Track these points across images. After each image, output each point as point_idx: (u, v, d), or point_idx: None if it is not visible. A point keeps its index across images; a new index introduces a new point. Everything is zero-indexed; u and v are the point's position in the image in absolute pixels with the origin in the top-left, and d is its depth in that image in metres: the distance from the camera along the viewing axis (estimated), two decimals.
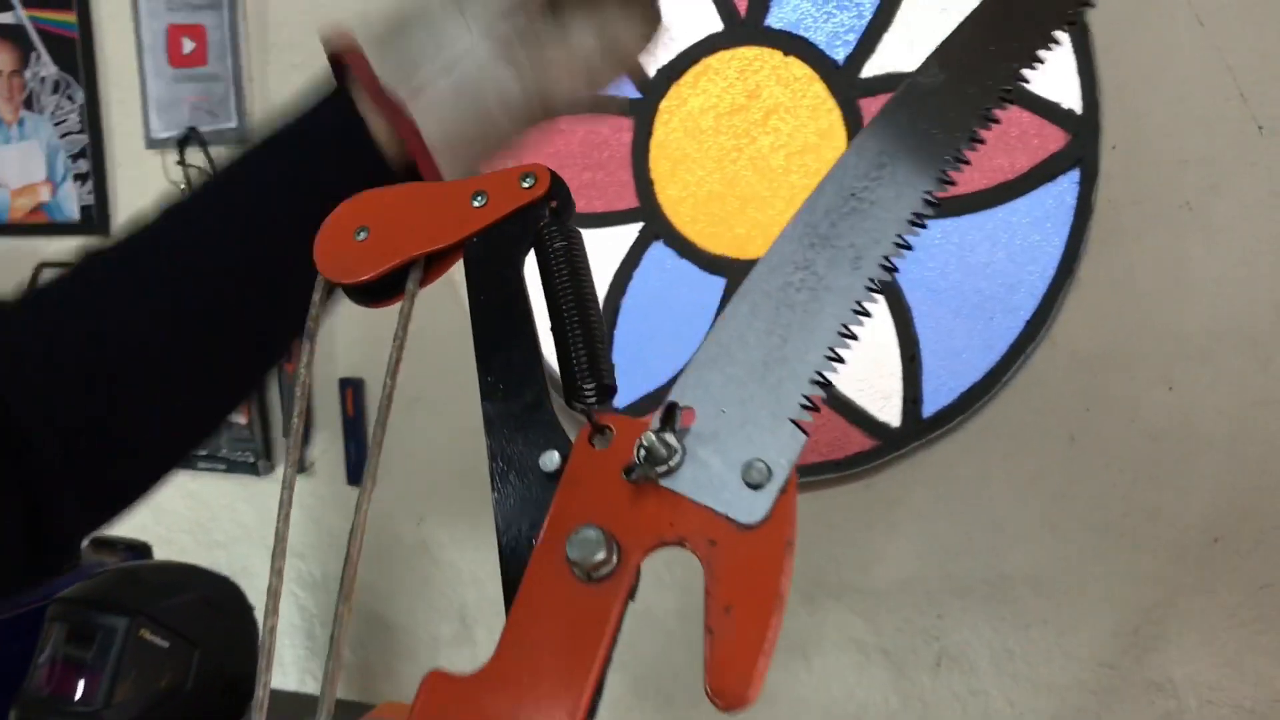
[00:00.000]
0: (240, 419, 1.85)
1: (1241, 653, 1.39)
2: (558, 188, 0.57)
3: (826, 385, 0.49)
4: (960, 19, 0.59)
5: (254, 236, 0.66)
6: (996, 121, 0.56)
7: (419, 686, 0.45)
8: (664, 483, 0.45)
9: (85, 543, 0.73)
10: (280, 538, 0.56)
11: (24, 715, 1.45)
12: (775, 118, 1.58)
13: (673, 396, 0.48)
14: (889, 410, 1.57)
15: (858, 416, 1.58)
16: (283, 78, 1.79)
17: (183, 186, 1.83)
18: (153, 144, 1.88)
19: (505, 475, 0.51)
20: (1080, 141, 1.42)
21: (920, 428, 1.55)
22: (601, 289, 1.66)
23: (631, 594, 0.47)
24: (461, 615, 1.81)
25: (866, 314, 0.51)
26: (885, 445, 1.57)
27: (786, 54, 1.56)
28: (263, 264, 0.66)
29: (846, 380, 1.59)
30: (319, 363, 1.84)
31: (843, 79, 1.53)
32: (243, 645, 1.58)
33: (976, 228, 1.50)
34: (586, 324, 0.56)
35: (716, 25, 1.59)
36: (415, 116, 0.64)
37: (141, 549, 1.75)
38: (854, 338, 0.51)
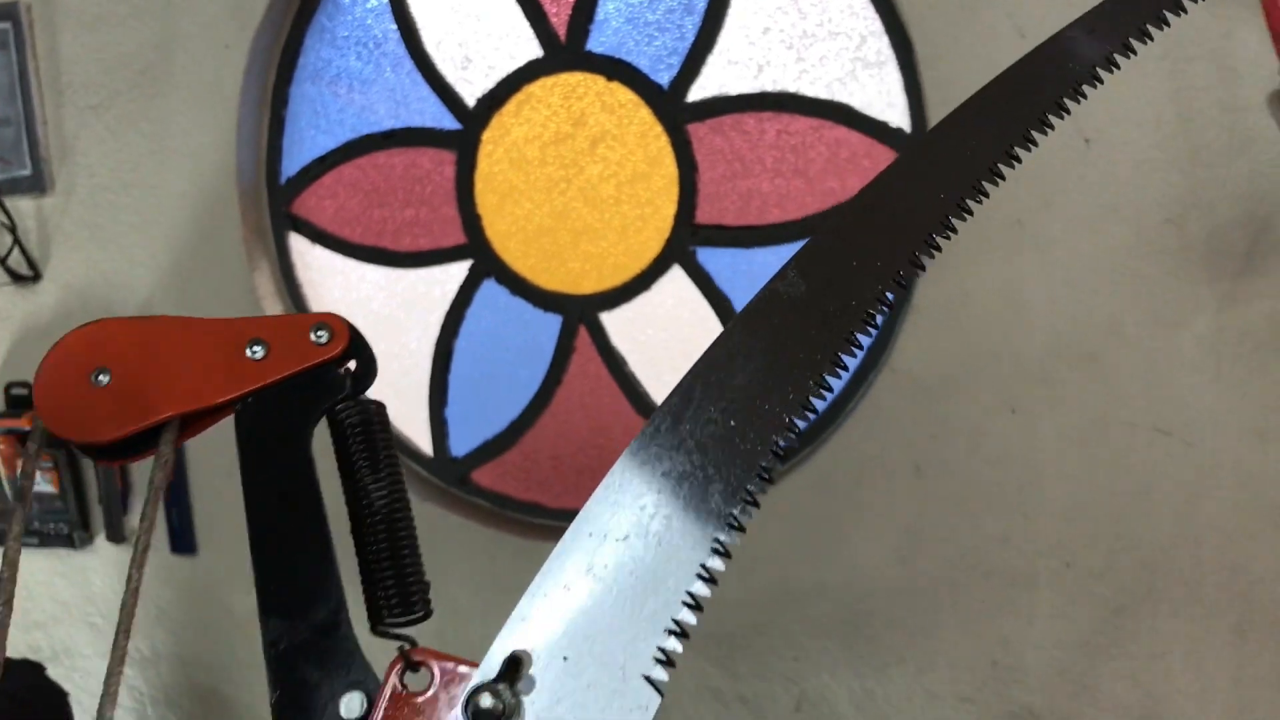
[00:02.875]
0: (50, 488, 1.71)
1: (1098, 679, 1.35)
2: (357, 347, 0.47)
3: (685, 634, 0.43)
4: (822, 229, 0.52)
5: None
6: (860, 348, 0.50)
7: None
8: None
9: None
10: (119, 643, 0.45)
11: None
12: (603, 145, 1.51)
13: (510, 638, 0.40)
14: None
15: None
16: (79, 120, 1.66)
17: None
18: None
19: (293, 715, 0.42)
20: None
21: None
22: (432, 331, 1.57)
23: None
24: None
25: (726, 554, 0.44)
26: None
27: (610, 79, 1.49)
28: None
29: None
30: None
31: (669, 103, 1.47)
32: None
33: None
34: (392, 527, 0.47)
35: (536, 51, 1.51)
36: None
37: None
38: (711, 580, 0.44)
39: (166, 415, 0.42)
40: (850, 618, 1.43)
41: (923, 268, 0.50)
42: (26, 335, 1.72)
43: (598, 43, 1.49)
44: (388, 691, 0.38)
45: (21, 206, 1.69)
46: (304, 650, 0.41)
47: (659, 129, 1.47)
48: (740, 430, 0.44)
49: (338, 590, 0.42)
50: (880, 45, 1.37)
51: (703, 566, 0.41)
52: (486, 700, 0.35)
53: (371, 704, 0.38)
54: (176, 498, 1.69)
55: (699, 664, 1.50)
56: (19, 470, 1.72)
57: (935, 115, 1.33)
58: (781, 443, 0.45)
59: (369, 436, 0.45)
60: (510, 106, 1.53)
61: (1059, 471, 1.33)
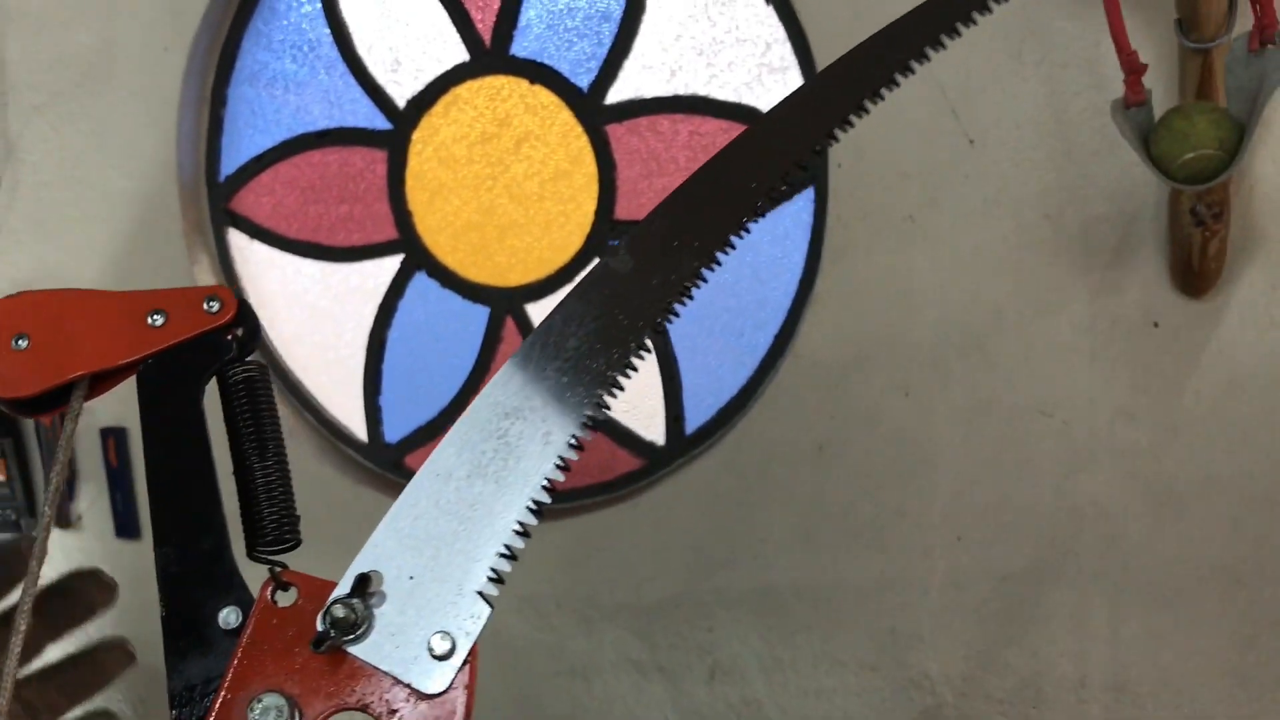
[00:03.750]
0: None
1: (990, 645, 1.44)
2: (244, 315, 0.54)
3: (514, 556, 0.49)
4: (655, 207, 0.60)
5: None
6: (675, 315, 0.57)
7: None
8: (350, 650, 0.45)
9: None
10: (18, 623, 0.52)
11: None
12: (527, 145, 1.58)
13: (363, 561, 0.47)
14: (654, 429, 1.59)
15: (624, 437, 1.60)
16: (24, 120, 1.72)
17: None
18: None
19: (179, 628, 0.48)
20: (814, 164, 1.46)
21: (684, 444, 1.57)
22: (366, 322, 1.64)
23: None
24: None
25: (553, 490, 0.51)
26: (652, 464, 1.59)
27: (533, 82, 1.57)
28: None
29: (612, 401, 1.61)
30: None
31: (588, 105, 1.54)
32: None
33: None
34: (266, 470, 0.54)
35: (463, 55, 1.59)
36: None
37: None
38: (538, 513, 0.51)
39: (77, 374, 0.50)
40: (759, 588, 1.52)
41: (733, 246, 0.58)
42: None
43: (521, 47, 1.56)
44: (260, 603, 0.46)
45: None
46: (191, 574, 0.48)
47: (579, 129, 1.55)
48: (571, 386, 0.52)
49: (220, 523, 0.49)
50: (784, 51, 1.46)
51: (533, 501, 0.49)
52: (340, 611, 0.42)
53: (247, 616, 0.46)
54: (120, 484, 1.75)
55: (620, 635, 1.58)
56: None
57: None
58: (605, 397, 0.53)
59: (252, 393, 0.53)
60: (438, 108, 1.61)
61: (950, 450, 1.42)
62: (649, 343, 0.54)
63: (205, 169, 1.72)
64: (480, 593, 0.46)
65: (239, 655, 0.43)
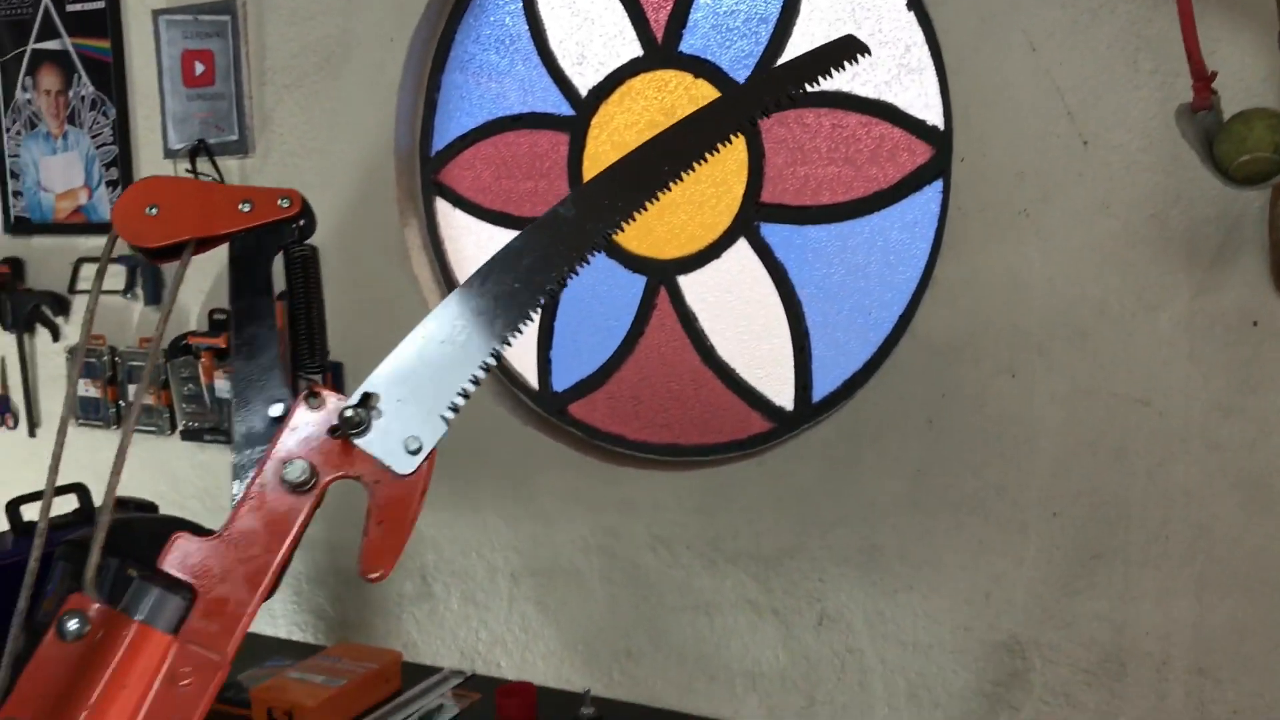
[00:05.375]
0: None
1: (1076, 616, 1.53)
2: (306, 212, 0.77)
3: (468, 396, 0.70)
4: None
5: None
6: (601, 250, 0.75)
7: (169, 543, 0.65)
8: (354, 440, 0.66)
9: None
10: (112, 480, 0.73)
11: (30, 638, 1.71)
12: None
13: (370, 385, 0.68)
14: (784, 396, 1.75)
15: (758, 402, 1.76)
16: (276, 96, 2.04)
17: None
18: (169, 154, 2.14)
19: (244, 412, 0.72)
20: (942, 155, 1.59)
21: (809, 411, 1.72)
22: None
23: (319, 502, 0.68)
24: (422, 574, 2.03)
25: (497, 359, 0.71)
26: (780, 427, 1.74)
27: (696, 76, 1.75)
28: None
29: (749, 368, 1.78)
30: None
31: None
32: None
33: (857, 233, 1.67)
34: (309, 316, 0.77)
35: (638, 51, 1.78)
36: None
37: (148, 507, 2.01)
38: (487, 370, 0.70)
39: (187, 236, 0.68)
40: (867, 548, 1.65)
41: (638, 214, 0.75)
42: (225, 270, 2.12)
43: (688, 45, 1.74)
44: (298, 404, 0.66)
45: (229, 165, 2.09)
46: (253, 380, 0.70)
47: None
48: (520, 291, 0.70)
49: (275, 350, 0.71)
50: (921, 54, 1.58)
51: (483, 363, 0.68)
52: (350, 414, 0.62)
53: (287, 411, 0.66)
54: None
55: (740, 578, 1.75)
56: (214, 378, 2.12)
57: (958, 117, 1.53)
58: (541, 300, 0.72)
59: (305, 266, 0.74)
60: (614, 97, 1.81)
61: (1050, 431, 1.52)
62: (578, 268, 0.71)
63: (419, 145, 1.99)
64: (443, 416, 0.65)
65: (280, 433, 0.64)
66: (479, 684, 1.82)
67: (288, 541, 0.63)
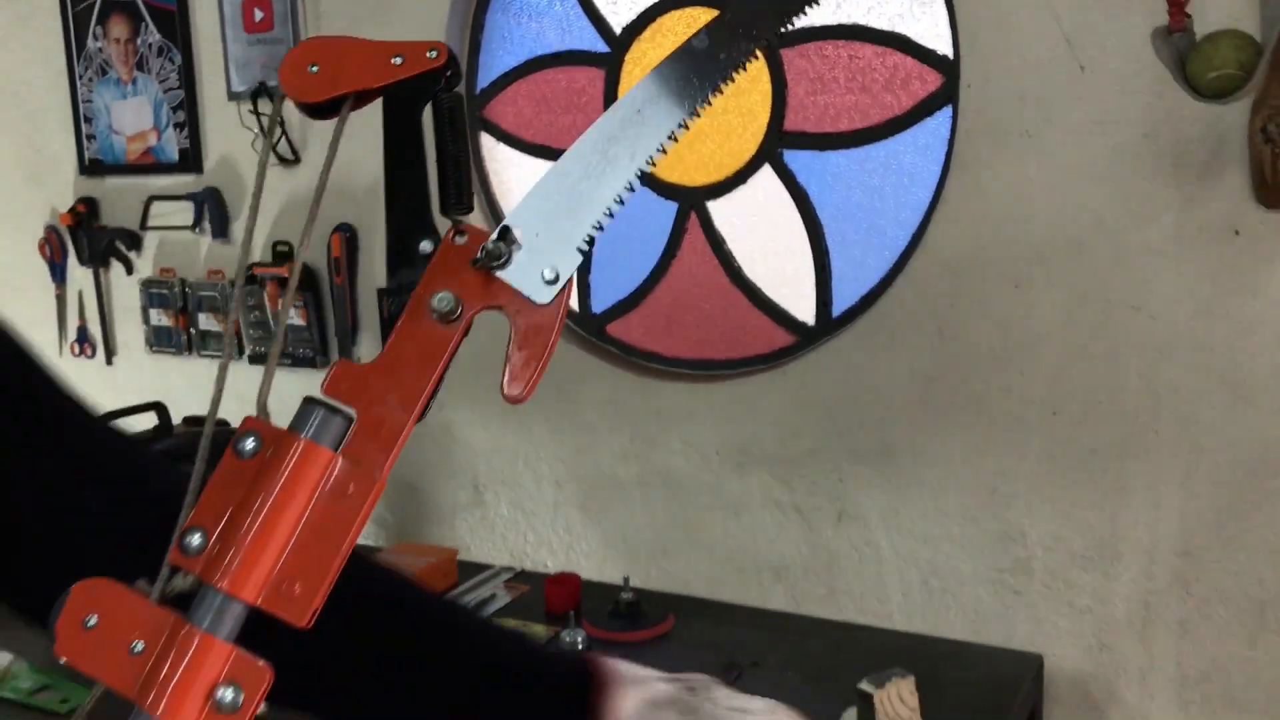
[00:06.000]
0: (299, 321, 2.27)
1: (1075, 507, 1.66)
2: (452, 61, 0.86)
3: (603, 229, 0.79)
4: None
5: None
6: (732, 80, 0.84)
7: (330, 369, 0.67)
8: (496, 272, 0.76)
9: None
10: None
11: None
12: None
13: (509, 220, 0.78)
14: (806, 311, 1.88)
15: (782, 317, 1.90)
16: None
17: (255, 132, 2.24)
18: (232, 96, 2.30)
19: (398, 250, 0.83)
20: (951, 82, 1.70)
21: (830, 325, 1.86)
22: None
23: (465, 332, 0.77)
24: (475, 483, 2.19)
25: (633, 190, 0.80)
26: (802, 340, 1.88)
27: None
28: None
29: (774, 286, 1.91)
30: (361, 274, 2.24)
31: None
32: None
33: (873, 157, 1.79)
34: (457, 161, 0.88)
35: None
36: None
37: (222, 423, 2.19)
38: (622, 203, 0.80)
39: (347, 90, 0.69)
40: (882, 449, 1.80)
41: (775, 40, 0.85)
42: (288, 205, 2.28)
43: None
44: (445, 241, 0.73)
45: (287, 106, 2.23)
46: (406, 220, 0.78)
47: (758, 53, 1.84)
48: (650, 124, 0.75)
49: (425, 192, 0.76)
50: None
51: (617, 197, 0.75)
52: (490, 246, 0.69)
53: (436, 247, 0.73)
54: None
55: (765, 480, 1.90)
56: (279, 306, 2.29)
57: (965, 45, 1.64)
58: (675, 135, 0.80)
59: (452, 113, 0.82)
60: (646, 34, 1.94)
61: (1050, 336, 1.64)
62: (711, 99, 0.79)
63: (465, 83, 2.12)
64: (578, 248, 0.73)
65: (430, 268, 0.68)
66: (527, 579, 1.99)
67: (438, 368, 0.65)
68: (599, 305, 2.07)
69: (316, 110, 0.81)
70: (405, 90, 0.81)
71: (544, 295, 0.73)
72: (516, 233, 0.75)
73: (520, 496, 2.15)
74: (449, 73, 0.83)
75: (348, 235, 2.21)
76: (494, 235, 0.73)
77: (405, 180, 0.81)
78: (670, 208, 1.96)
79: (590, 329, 2.07)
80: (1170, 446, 1.59)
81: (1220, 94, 1.24)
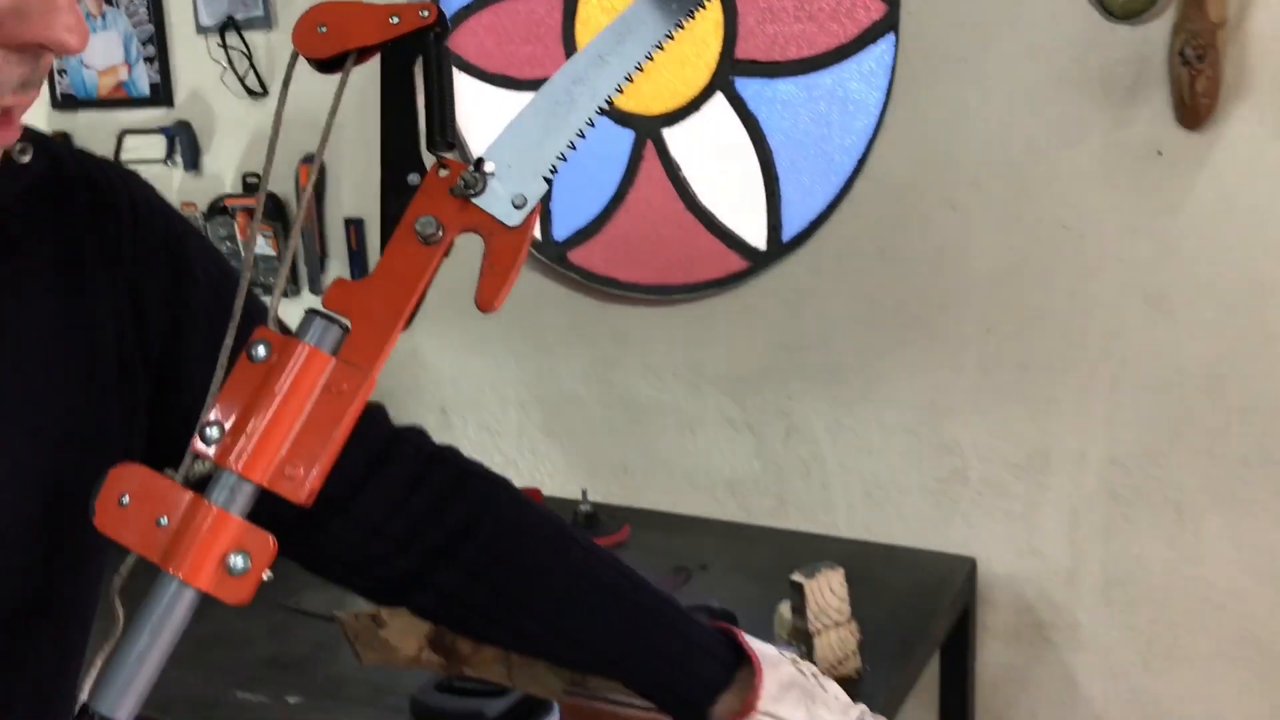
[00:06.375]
0: (270, 250, 2.33)
1: (1008, 420, 1.75)
2: (441, 19, 0.94)
3: (566, 159, 0.86)
4: None
5: (599, 652, 0.93)
6: (703, 7, 0.91)
7: (329, 286, 0.74)
8: (473, 199, 0.84)
9: None
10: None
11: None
12: None
13: (484, 154, 0.85)
14: (758, 237, 1.95)
15: (735, 243, 1.97)
16: None
17: (223, 66, 2.29)
18: (200, 30, 2.34)
19: (390, 181, 0.91)
20: (894, 10, 1.76)
21: (780, 249, 1.93)
22: None
23: (446, 252, 0.85)
24: (442, 407, 2.27)
25: (593, 125, 0.87)
26: (754, 265, 1.95)
27: None
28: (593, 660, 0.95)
29: (727, 212, 1.98)
30: (329, 205, 2.30)
31: None
32: None
33: (820, 85, 1.85)
34: (443, 104, 0.95)
35: None
36: None
37: None
38: (584, 136, 0.87)
39: (351, 47, 0.75)
40: (829, 367, 1.88)
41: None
42: (256, 137, 2.33)
43: None
44: (430, 173, 0.79)
45: (255, 39, 2.28)
46: (398, 156, 0.88)
47: None
48: (614, 61, 0.85)
49: (415, 132, 0.86)
50: None
51: (579, 130, 0.82)
52: (467, 175, 0.75)
53: (423, 178, 0.79)
54: (358, 261, 2.27)
55: (719, 399, 1.98)
56: (249, 236, 2.35)
57: None
58: (638, 66, 0.87)
59: (440, 60, 0.90)
60: None
61: (985, 256, 1.72)
62: (675, 31, 0.85)
63: None
64: (545, 176, 0.80)
65: (416, 197, 0.75)
66: None
67: (422, 283, 0.74)
68: (560, 233, 2.13)
69: (324, 66, 0.88)
70: (400, 45, 0.89)
71: (514, 218, 0.81)
72: (490, 165, 0.83)
73: (487, 419, 2.23)
74: (438, 29, 0.91)
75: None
76: (470, 167, 0.81)
77: (398, 122, 0.89)
78: (628, 136, 2.02)
79: (552, 256, 2.13)
80: (1097, 360, 1.67)
81: (1130, 15, 1.30)
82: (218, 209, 2.38)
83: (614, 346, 2.07)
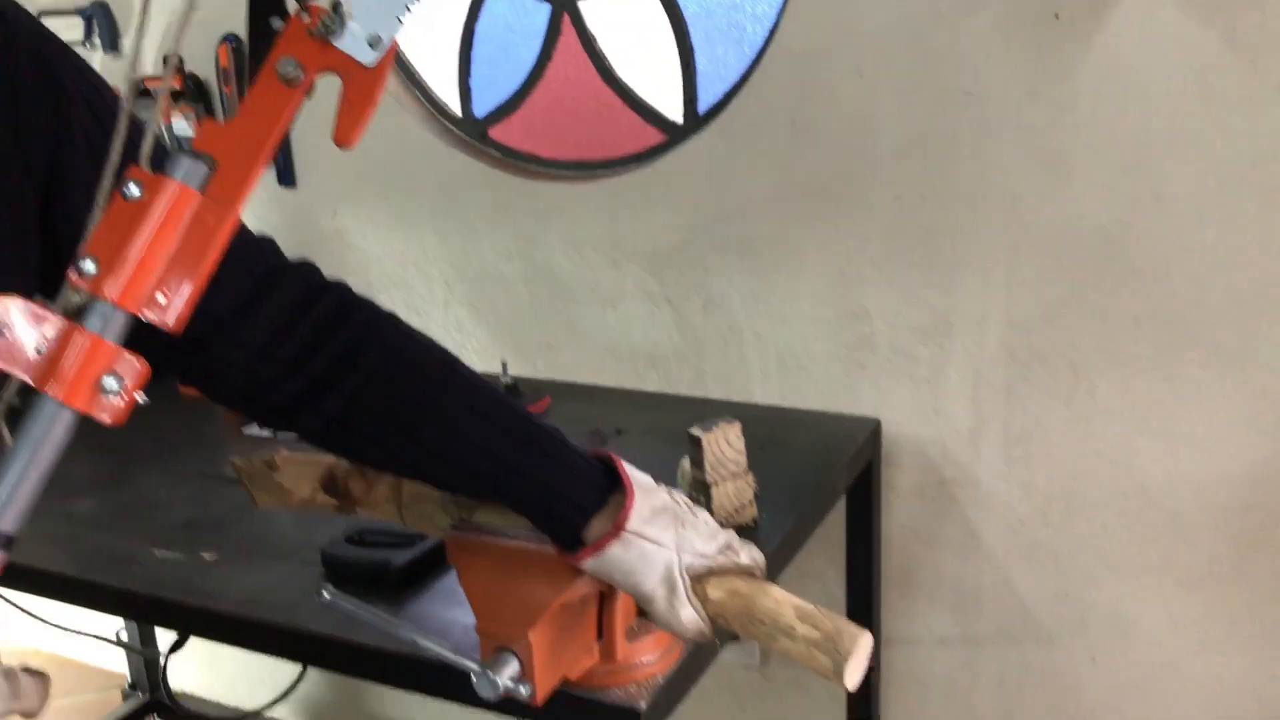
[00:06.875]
0: (192, 131, 2.31)
1: (913, 287, 1.79)
2: None
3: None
4: None
5: (479, 475, 1.00)
6: None
7: (197, 126, 0.81)
8: (333, 41, 0.86)
9: None
10: None
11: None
12: None
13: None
14: (675, 110, 1.96)
15: (652, 116, 1.98)
16: None
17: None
18: None
19: (256, 28, 0.92)
20: None
21: (696, 123, 1.94)
22: (460, 16, 2.06)
23: (307, 93, 0.85)
24: (368, 287, 2.28)
25: None
26: (671, 139, 1.97)
27: None
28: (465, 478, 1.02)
29: (644, 86, 1.99)
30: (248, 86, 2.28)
31: None
32: None
33: None
34: None
35: None
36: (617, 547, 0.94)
37: None
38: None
39: None
40: (743, 238, 1.91)
41: None
42: (176, 18, 2.30)
43: None
44: (294, 16, 0.79)
45: None
46: (266, 3, 0.89)
47: None
48: None
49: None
50: None
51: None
52: (325, 18, 0.78)
53: (285, 24, 0.80)
54: (283, 145, 2.26)
55: (638, 274, 2.01)
56: (171, 120, 2.33)
57: None
58: None
59: None
60: None
61: (891, 122, 1.74)
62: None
63: None
64: (399, 17, 0.81)
65: (280, 39, 0.79)
66: None
67: (283, 122, 0.79)
68: (481, 110, 2.13)
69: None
70: None
71: (370, 57, 0.85)
72: (347, 7, 0.85)
73: (413, 298, 2.25)
74: None
75: (234, 46, 2.24)
76: (329, 10, 0.84)
77: (261, 21, 0.90)
78: (544, 9, 2.01)
79: (472, 133, 2.13)
80: (998, 225, 1.71)
81: None
82: (140, 91, 2.35)
83: (535, 223, 2.09)
